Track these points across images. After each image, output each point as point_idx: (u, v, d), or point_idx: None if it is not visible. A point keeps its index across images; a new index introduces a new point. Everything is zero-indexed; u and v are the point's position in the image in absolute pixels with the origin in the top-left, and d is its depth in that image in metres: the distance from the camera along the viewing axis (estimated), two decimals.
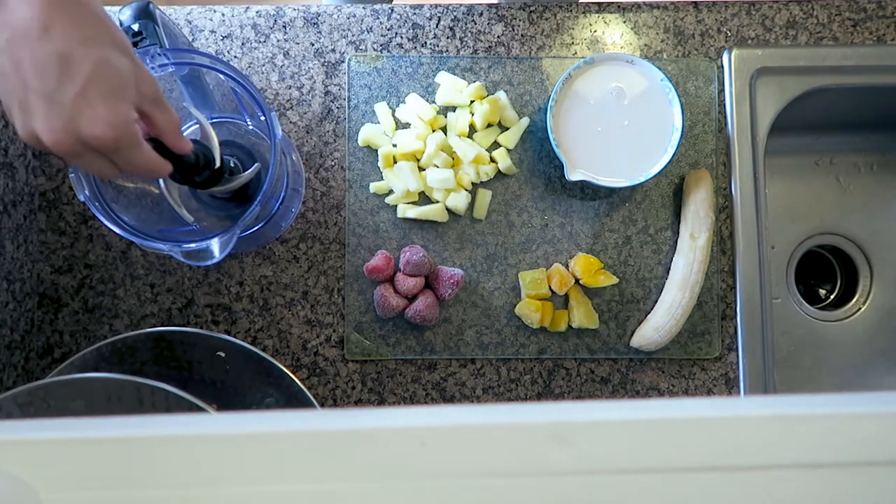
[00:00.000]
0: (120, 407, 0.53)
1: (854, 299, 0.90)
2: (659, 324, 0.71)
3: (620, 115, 0.71)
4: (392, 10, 0.75)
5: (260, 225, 0.64)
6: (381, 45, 0.74)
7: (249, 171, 0.61)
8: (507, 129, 0.74)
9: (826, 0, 0.76)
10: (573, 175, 0.69)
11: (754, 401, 0.52)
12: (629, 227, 0.74)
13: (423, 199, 0.73)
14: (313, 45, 0.74)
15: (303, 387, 0.64)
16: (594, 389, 0.73)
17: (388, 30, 0.74)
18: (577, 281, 0.72)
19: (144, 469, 0.29)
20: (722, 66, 0.75)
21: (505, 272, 0.73)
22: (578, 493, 0.30)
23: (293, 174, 0.66)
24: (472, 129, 0.73)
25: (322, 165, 0.73)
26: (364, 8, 0.75)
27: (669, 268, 0.73)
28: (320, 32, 0.74)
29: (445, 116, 0.73)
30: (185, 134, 0.52)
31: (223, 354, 0.64)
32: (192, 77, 0.60)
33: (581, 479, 0.30)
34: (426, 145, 0.71)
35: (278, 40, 0.74)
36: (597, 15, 0.76)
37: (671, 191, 0.74)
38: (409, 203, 0.72)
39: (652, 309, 0.73)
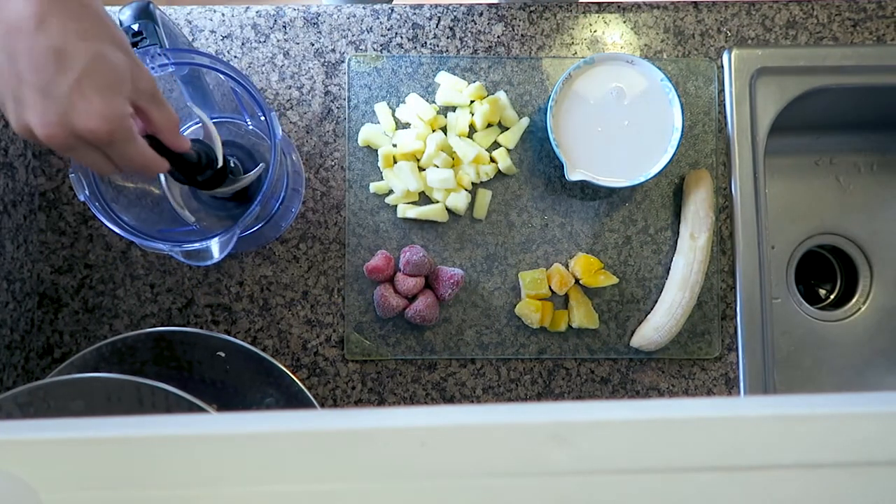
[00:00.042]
0: (120, 407, 0.53)
1: (854, 299, 0.90)
2: (659, 324, 0.71)
3: (620, 115, 0.71)
4: (392, 10, 0.75)
5: (260, 225, 0.64)
6: (381, 45, 0.74)
7: (254, 171, 0.61)
8: (507, 129, 0.74)
9: (826, 0, 0.76)
10: (573, 175, 0.69)
11: (754, 401, 0.52)
12: (629, 227, 0.74)
13: (423, 199, 0.73)
14: (313, 45, 0.74)
15: (303, 387, 0.64)
16: (594, 389, 0.73)
17: (388, 30, 0.74)
18: (577, 281, 0.72)
19: (144, 469, 0.29)
20: (722, 66, 0.75)
21: (505, 272, 0.73)
22: (578, 493, 0.30)
23: (293, 174, 0.66)
24: (472, 129, 0.73)
25: (322, 165, 0.73)
26: (364, 8, 0.75)
27: (669, 268, 0.73)
28: (320, 32, 0.74)
29: (445, 116, 0.73)
30: (187, 133, 0.52)
31: (223, 354, 0.64)
32: (192, 77, 0.60)
33: (581, 479, 0.30)
34: (426, 145, 0.71)
35: (278, 40, 0.74)
36: (597, 15, 0.76)
37: (671, 191, 0.74)
38: (409, 203, 0.72)
39: (652, 309, 0.73)
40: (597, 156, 0.70)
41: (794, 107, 0.76)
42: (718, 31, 0.75)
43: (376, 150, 0.73)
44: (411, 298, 0.71)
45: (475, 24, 0.75)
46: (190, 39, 0.73)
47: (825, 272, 0.93)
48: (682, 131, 0.70)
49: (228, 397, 0.66)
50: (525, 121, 0.73)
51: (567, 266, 0.73)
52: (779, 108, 0.75)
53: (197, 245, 0.55)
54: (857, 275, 0.91)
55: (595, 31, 0.75)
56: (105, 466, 0.29)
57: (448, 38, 0.75)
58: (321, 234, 0.73)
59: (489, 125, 0.73)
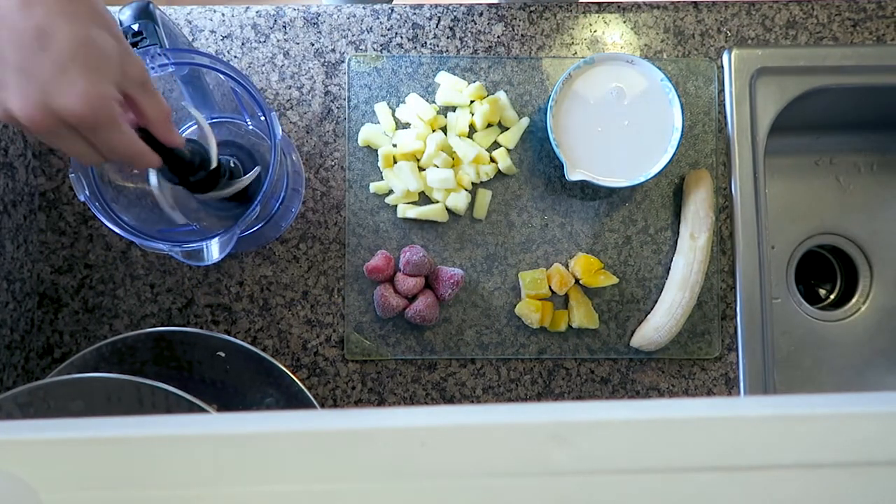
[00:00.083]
0: (120, 407, 0.53)
1: (854, 299, 0.90)
2: (659, 324, 0.71)
3: (620, 115, 0.71)
4: (392, 10, 0.75)
5: (260, 225, 0.64)
6: (381, 45, 0.74)
7: (248, 175, 0.60)
8: (507, 129, 0.74)
9: (826, 0, 0.76)
10: (573, 175, 0.69)
11: (754, 401, 0.52)
12: (629, 227, 0.74)
13: (423, 199, 0.73)
14: (313, 45, 0.74)
15: (303, 387, 0.64)
16: (594, 389, 0.73)
17: (388, 30, 0.74)
18: (577, 281, 0.72)
19: (144, 469, 0.29)
20: (722, 66, 0.75)
21: (505, 272, 0.73)
22: (578, 493, 0.30)
23: (293, 174, 0.66)
24: (472, 129, 0.73)
25: (322, 165, 0.73)
26: (364, 8, 0.75)
27: (669, 268, 0.73)
28: (320, 32, 0.74)
29: (445, 116, 0.73)
30: (183, 134, 0.51)
31: (223, 354, 0.64)
32: (192, 77, 0.60)
33: (581, 479, 0.30)
34: (426, 145, 0.71)
35: (278, 40, 0.74)
36: (597, 15, 0.76)
37: (671, 191, 0.74)
38: (409, 203, 0.72)
39: (652, 309, 0.73)
40: (597, 156, 0.70)
41: (794, 107, 0.76)
42: (718, 31, 0.75)
43: (376, 150, 0.73)
44: (411, 298, 0.71)
45: (475, 24, 0.75)
46: (190, 39, 0.73)
47: (825, 272, 0.93)
48: (682, 131, 0.70)
49: (228, 397, 0.66)
50: (525, 121, 0.73)
51: (567, 266, 0.73)
52: (779, 108, 0.75)
53: (197, 245, 0.55)
54: (857, 275, 0.91)
55: (595, 31, 0.75)
56: (105, 466, 0.29)
57: (448, 38, 0.75)
58: (321, 234, 0.73)
59: (489, 125, 0.73)
